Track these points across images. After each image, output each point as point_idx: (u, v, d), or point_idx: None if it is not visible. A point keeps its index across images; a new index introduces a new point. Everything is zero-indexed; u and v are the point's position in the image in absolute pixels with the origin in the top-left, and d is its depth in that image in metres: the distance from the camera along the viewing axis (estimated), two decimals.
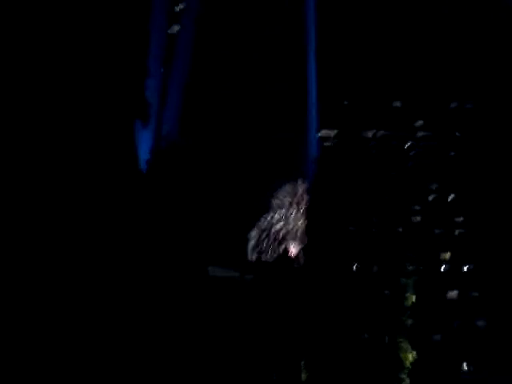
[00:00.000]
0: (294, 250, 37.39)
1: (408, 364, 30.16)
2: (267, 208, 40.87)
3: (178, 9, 43.43)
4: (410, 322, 30.82)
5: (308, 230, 36.48)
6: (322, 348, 31.05)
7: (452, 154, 41.48)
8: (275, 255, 38.90)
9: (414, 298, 31.05)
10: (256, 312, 33.78)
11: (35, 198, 33.38)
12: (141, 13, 39.80)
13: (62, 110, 34.43)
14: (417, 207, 38.75)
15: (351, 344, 30.26)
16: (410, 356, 30.13)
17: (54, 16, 34.93)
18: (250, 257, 39.44)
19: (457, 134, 42.26)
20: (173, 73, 43.24)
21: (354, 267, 31.98)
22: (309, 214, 36.84)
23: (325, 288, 32.10)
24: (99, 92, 36.53)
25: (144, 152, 37.87)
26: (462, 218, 38.48)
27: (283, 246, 38.07)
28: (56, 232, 32.93)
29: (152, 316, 31.68)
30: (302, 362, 31.55)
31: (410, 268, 31.91)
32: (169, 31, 43.53)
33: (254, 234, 40.31)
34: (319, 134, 41.49)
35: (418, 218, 38.33)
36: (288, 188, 41.12)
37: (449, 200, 38.73)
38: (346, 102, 43.16)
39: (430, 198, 39.35)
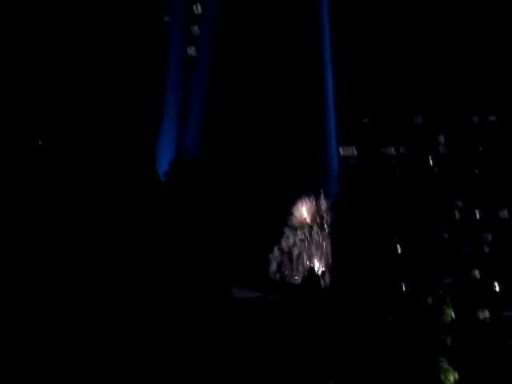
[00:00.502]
0: (318, 269, 36.50)
1: None
2: (289, 226, 40.10)
3: (194, 28, 43.31)
4: (449, 340, 29.26)
5: (333, 248, 35.63)
6: (351, 367, 29.94)
7: (475, 169, 40.69)
8: (299, 275, 38.03)
9: (452, 314, 29.56)
10: (281, 333, 32.98)
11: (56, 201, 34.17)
12: (158, 33, 40.31)
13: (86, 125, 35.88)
14: (443, 224, 37.84)
15: (385, 364, 29.10)
16: (452, 377, 28.61)
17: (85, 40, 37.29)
18: (272, 277, 38.55)
19: (480, 148, 41.47)
20: (192, 89, 42.86)
21: (385, 284, 30.86)
22: (333, 233, 35.97)
23: (354, 306, 31.07)
24: (118, 105, 37.48)
25: (164, 164, 37.85)
26: (490, 236, 37.49)
27: (307, 266, 37.22)
28: (71, 238, 33.08)
29: (175, 337, 30.97)
30: (331, 383, 30.53)
31: (446, 281, 30.50)
32: (188, 51, 43.45)
33: (276, 253, 39.43)
34: (340, 151, 40.79)
35: (446, 235, 37.39)
36: (309, 206, 40.36)
37: (476, 217, 37.72)
38: (365, 120, 42.56)
39: (456, 214, 38.44)
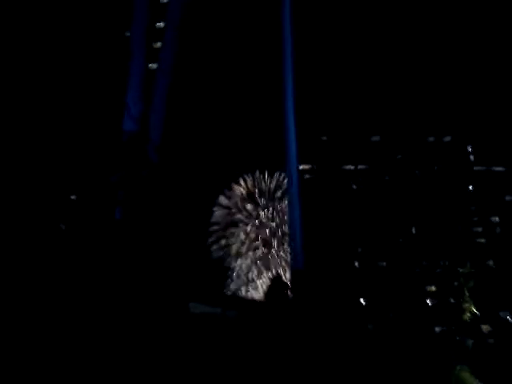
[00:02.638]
0: (278, 284, 36.59)
1: None
2: (248, 245, 40.39)
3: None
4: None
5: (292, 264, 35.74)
6: None
7: (430, 186, 41.50)
8: (259, 291, 38.13)
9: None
10: (240, 350, 32.44)
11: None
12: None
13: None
14: (400, 240, 38.49)
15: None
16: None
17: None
18: (231, 293, 38.60)
19: (435, 167, 42.32)
20: (157, 83, 43.40)
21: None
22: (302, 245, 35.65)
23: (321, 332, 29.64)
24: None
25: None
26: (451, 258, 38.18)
27: (267, 283, 37.32)
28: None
29: (130, 351, 30.66)
30: None
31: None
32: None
33: (235, 270, 39.56)
34: (300, 167, 41.28)
35: (402, 251, 38.01)
36: (270, 222, 40.67)
37: (432, 234, 38.40)
38: (324, 138, 43.18)
39: (413, 231, 39.13)
